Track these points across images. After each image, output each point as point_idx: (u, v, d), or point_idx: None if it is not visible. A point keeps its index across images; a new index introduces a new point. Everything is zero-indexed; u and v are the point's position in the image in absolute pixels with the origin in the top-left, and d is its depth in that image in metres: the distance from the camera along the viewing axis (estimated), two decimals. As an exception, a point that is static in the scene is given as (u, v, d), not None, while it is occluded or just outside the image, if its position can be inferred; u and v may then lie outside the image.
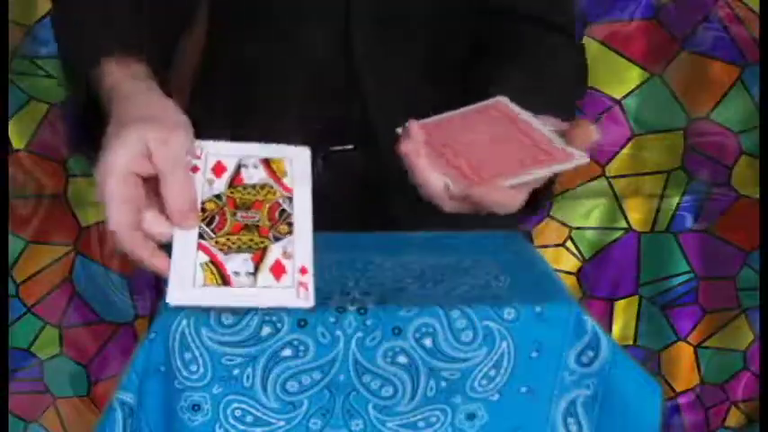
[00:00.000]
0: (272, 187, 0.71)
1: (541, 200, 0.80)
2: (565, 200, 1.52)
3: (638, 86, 1.49)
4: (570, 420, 0.71)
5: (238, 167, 0.72)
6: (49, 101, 1.43)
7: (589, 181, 1.51)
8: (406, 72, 0.92)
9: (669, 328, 1.57)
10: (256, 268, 0.67)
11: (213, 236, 0.67)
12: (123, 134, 0.67)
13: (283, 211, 0.70)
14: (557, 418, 0.71)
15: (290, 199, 0.70)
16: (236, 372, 0.68)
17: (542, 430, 0.71)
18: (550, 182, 0.78)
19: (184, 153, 0.68)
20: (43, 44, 1.42)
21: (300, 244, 0.69)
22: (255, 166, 0.72)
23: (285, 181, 0.71)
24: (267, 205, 0.70)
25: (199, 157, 0.71)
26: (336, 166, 0.94)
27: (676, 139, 1.51)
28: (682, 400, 1.59)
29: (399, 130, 0.76)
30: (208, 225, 0.68)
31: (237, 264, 0.67)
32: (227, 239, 0.67)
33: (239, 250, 0.67)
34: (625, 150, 1.51)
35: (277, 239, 0.68)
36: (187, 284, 0.66)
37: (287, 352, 0.68)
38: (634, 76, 1.49)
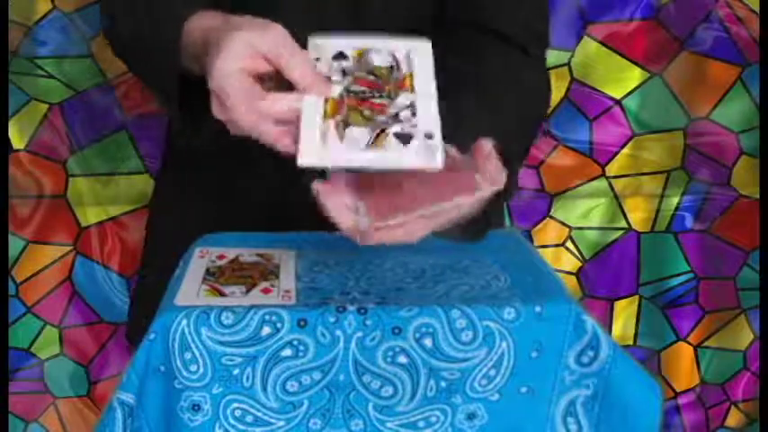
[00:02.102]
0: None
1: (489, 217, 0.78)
2: (565, 200, 1.52)
3: (638, 86, 1.49)
4: (570, 420, 0.71)
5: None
6: (49, 101, 1.43)
7: (589, 181, 1.51)
8: None
9: (669, 328, 1.57)
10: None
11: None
12: (225, 42, 0.69)
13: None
14: (556, 417, 0.71)
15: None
16: (236, 372, 0.68)
17: (542, 430, 0.71)
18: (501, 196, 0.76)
19: (290, 36, 0.70)
20: (43, 44, 1.42)
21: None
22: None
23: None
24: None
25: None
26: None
27: (676, 139, 1.51)
28: (682, 400, 1.59)
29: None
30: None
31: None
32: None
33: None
34: (625, 150, 1.51)
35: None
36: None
37: (287, 352, 0.68)
38: (634, 76, 1.49)
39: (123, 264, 1.50)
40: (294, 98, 0.69)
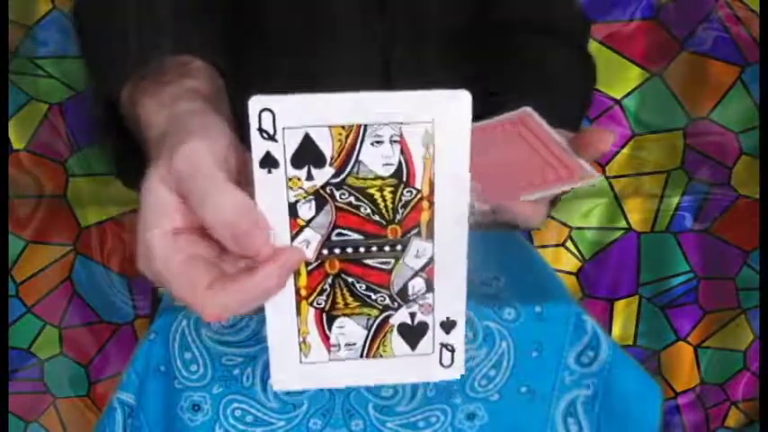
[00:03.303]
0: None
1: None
2: (565, 200, 1.52)
3: (638, 86, 1.49)
4: (570, 420, 0.71)
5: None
6: (49, 101, 1.43)
7: (589, 181, 1.51)
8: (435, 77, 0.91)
9: (669, 328, 1.57)
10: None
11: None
12: (145, 192, 0.48)
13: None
14: (557, 417, 0.71)
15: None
16: (236, 372, 0.68)
17: (542, 430, 0.71)
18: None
19: (216, 160, 0.46)
20: (43, 44, 1.42)
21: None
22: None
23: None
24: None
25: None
26: None
27: (676, 139, 1.51)
28: (682, 400, 1.59)
29: None
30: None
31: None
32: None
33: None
34: (625, 150, 1.51)
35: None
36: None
37: (287, 352, 0.68)
38: (634, 76, 1.49)
39: (123, 264, 1.50)
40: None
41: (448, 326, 0.48)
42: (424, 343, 0.48)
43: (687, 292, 1.56)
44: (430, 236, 0.47)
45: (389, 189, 0.46)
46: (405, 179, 0.46)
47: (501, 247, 0.83)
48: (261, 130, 0.43)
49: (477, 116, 0.50)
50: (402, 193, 0.46)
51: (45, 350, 1.51)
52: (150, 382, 0.69)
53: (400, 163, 0.45)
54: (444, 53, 0.90)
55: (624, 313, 1.57)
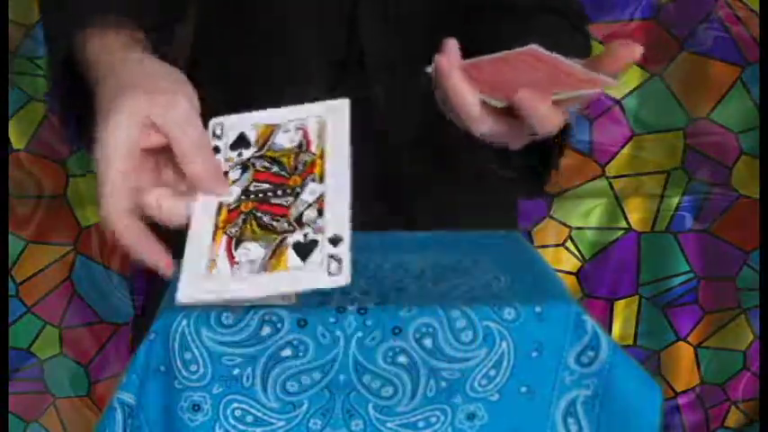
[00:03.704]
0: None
1: (550, 168, 0.80)
2: (565, 200, 1.52)
3: (638, 86, 1.49)
4: (570, 420, 0.71)
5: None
6: (49, 101, 1.44)
7: (589, 181, 1.51)
8: (411, 64, 0.92)
9: (669, 328, 1.57)
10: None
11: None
12: (117, 107, 0.58)
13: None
14: (557, 418, 0.71)
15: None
16: (236, 372, 0.68)
17: (542, 430, 0.71)
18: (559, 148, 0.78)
19: (194, 113, 0.60)
20: (43, 44, 1.42)
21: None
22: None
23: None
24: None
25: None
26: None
27: (676, 139, 1.51)
28: (682, 400, 1.59)
29: (429, 68, 0.72)
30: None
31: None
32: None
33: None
34: (625, 150, 1.51)
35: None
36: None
37: (287, 352, 0.68)
38: (634, 76, 1.49)
39: (123, 264, 1.50)
40: (184, 208, 0.61)
41: (335, 241, 0.59)
42: (315, 255, 0.59)
43: (687, 292, 1.56)
44: (321, 181, 0.62)
45: (293, 155, 0.63)
46: (304, 148, 0.64)
47: (501, 247, 0.83)
48: (213, 134, 0.65)
49: None
50: (301, 156, 0.63)
51: (45, 350, 1.51)
52: (150, 382, 0.69)
53: (301, 140, 0.64)
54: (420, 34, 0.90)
55: (624, 313, 1.57)
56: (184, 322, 0.68)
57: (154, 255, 0.61)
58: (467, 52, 0.74)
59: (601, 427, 0.71)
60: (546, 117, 0.69)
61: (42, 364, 1.52)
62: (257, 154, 0.64)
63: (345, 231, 0.59)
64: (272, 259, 0.59)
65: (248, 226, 0.61)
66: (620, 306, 1.57)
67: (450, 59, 0.69)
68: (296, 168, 0.62)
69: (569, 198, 1.52)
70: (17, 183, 1.44)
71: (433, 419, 0.70)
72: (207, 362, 0.68)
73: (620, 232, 1.54)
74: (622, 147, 1.51)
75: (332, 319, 0.68)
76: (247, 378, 0.68)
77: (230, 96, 0.86)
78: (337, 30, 0.89)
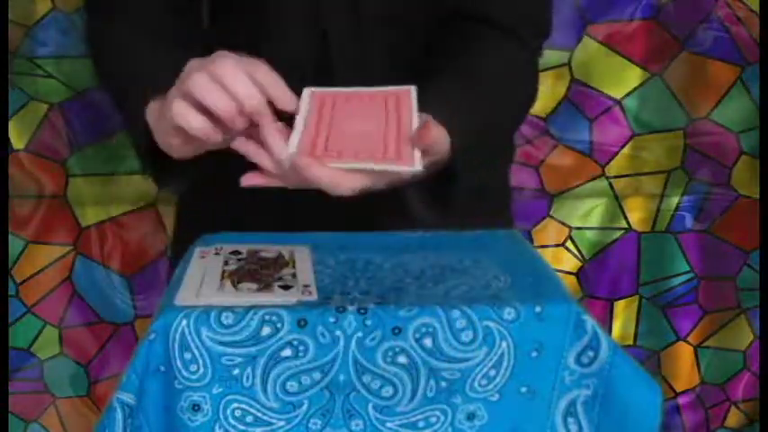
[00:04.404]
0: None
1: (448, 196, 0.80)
2: (565, 200, 1.52)
3: (638, 86, 1.49)
4: (570, 420, 0.71)
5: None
6: (49, 101, 1.43)
7: (589, 181, 1.51)
8: (379, 74, 0.93)
9: (669, 328, 1.57)
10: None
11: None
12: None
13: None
14: (557, 418, 0.71)
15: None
16: (236, 372, 0.68)
17: (542, 430, 0.71)
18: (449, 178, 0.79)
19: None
20: (43, 44, 1.42)
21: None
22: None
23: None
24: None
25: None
26: None
27: (676, 139, 1.51)
28: (682, 400, 1.59)
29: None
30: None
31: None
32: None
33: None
34: (625, 150, 1.51)
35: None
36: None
37: (287, 352, 0.68)
38: (634, 76, 1.49)
39: (123, 264, 1.50)
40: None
41: (306, 285, 0.73)
42: (292, 289, 0.72)
43: (687, 292, 1.56)
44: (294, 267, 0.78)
45: (272, 260, 0.80)
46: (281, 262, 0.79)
47: (501, 247, 0.83)
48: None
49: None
50: (280, 259, 0.80)
51: (45, 350, 1.51)
52: (150, 382, 0.69)
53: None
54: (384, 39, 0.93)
55: (624, 313, 1.57)
56: (184, 322, 0.68)
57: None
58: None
59: (601, 426, 0.71)
60: (331, 183, 0.72)
61: (42, 364, 1.52)
62: (248, 258, 0.79)
63: (312, 282, 0.73)
64: (263, 290, 0.72)
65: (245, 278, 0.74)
66: (620, 306, 1.57)
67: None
68: (275, 265, 0.77)
69: (569, 198, 1.52)
70: (17, 183, 1.44)
71: (433, 419, 0.70)
72: (207, 362, 0.68)
73: (620, 232, 1.54)
74: (622, 147, 1.51)
75: (332, 319, 0.68)
76: (247, 378, 0.68)
77: None
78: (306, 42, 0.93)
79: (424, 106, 0.76)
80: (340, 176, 0.71)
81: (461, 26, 0.92)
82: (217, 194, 0.97)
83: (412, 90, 0.77)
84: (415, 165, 0.70)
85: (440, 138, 0.75)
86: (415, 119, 0.74)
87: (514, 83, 0.92)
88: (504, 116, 0.91)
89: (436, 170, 0.78)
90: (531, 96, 0.96)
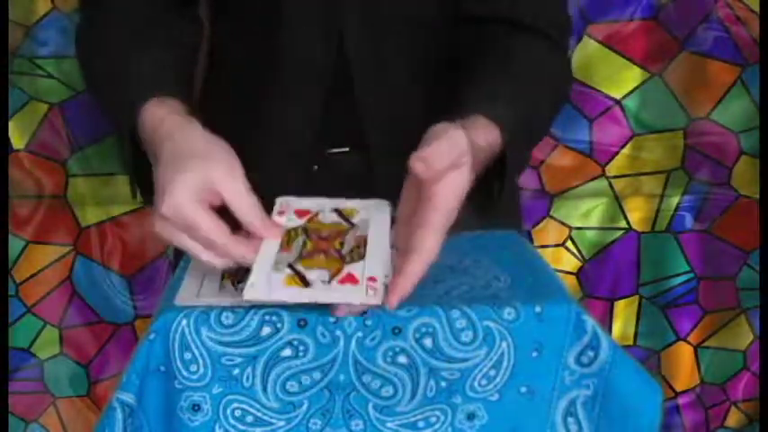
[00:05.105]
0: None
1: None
2: (565, 200, 1.52)
3: (638, 86, 1.49)
4: (570, 420, 0.71)
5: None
6: (49, 101, 1.43)
7: (589, 181, 1.51)
8: (396, 74, 0.93)
9: (669, 328, 1.57)
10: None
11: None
12: (183, 171, 0.70)
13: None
14: (557, 417, 0.71)
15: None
16: (236, 372, 0.68)
17: (542, 430, 0.71)
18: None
19: (246, 184, 0.72)
20: (43, 44, 1.42)
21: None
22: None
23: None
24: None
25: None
26: (331, 168, 0.94)
27: (676, 139, 1.51)
28: (682, 400, 1.59)
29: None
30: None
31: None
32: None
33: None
34: (625, 150, 1.51)
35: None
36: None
37: (287, 352, 0.68)
38: (634, 76, 1.49)
39: (123, 264, 1.50)
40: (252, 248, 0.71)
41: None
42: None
43: (687, 292, 1.56)
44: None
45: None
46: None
47: (501, 248, 0.83)
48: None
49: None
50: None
51: (45, 350, 1.51)
52: (150, 382, 0.69)
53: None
54: (404, 43, 0.93)
55: (624, 313, 1.57)
56: (184, 322, 0.68)
57: (234, 243, 0.70)
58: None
59: (601, 426, 0.72)
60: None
61: (42, 364, 1.52)
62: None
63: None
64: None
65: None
66: (620, 306, 1.57)
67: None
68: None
69: (569, 198, 1.52)
70: (17, 183, 1.44)
71: (433, 419, 0.70)
72: (207, 362, 0.68)
73: (620, 232, 1.54)
74: (622, 147, 1.51)
75: (332, 319, 0.68)
76: (247, 378, 0.68)
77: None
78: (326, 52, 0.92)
79: (472, 103, 0.77)
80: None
81: (490, 29, 0.92)
82: None
83: (388, 211, 0.78)
84: (371, 299, 0.68)
85: (458, 140, 0.72)
86: (384, 241, 0.74)
87: (552, 80, 0.92)
88: (545, 112, 0.92)
89: (484, 169, 0.78)
90: (567, 93, 0.98)
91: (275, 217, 0.76)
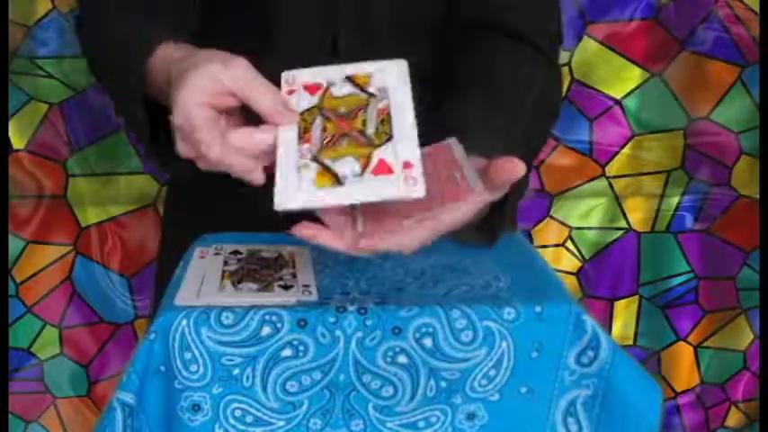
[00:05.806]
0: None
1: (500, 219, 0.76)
2: (565, 200, 1.52)
3: (638, 86, 1.49)
4: (570, 420, 0.71)
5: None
6: (49, 101, 1.43)
7: (589, 181, 1.51)
8: None
9: (669, 328, 1.57)
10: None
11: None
12: (189, 75, 0.68)
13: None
14: (557, 418, 0.71)
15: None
16: (236, 372, 0.68)
17: (542, 430, 0.71)
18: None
19: (255, 72, 0.69)
20: (43, 44, 1.42)
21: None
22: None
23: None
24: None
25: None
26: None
27: (676, 139, 1.51)
28: (682, 400, 1.59)
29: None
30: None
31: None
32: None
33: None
34: (625, 150, 1.51)
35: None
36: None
37: (287, 352, 0.68)
38: (634, 76, 1.49)
39: (123, 264, 1.50)
40: (265, 133, 0.68)
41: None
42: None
43: (687, 292, 1.56)
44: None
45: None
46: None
47: (501, 248, 0.83)
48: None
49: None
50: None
51: (45, 350, 1.51)
52: (150, 382, 0.69)
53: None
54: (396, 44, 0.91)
55: (624, 313, 1.57)
56: (184, 322, 0.68)
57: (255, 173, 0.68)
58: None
59: (601, 426, 0.71)
60: (402, 245, 0.67)
61: (42, 364, 1.52)
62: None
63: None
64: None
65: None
66: (620, 306, 1.57)
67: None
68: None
69: (569, 198, 1.52)
70: (17, 183, 1.44)
71: (433, 419, 0.70)
72: (207, 362, 0.68)
73: (620, 232, 1.54)
74: (622, 147, 1.51)
75: (332, 319, 0.68)
76: (247, 378, 0.68)
77: None
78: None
79: (466, 134, 0.73)
80: (401, 236, 0.67)
81: (479, 36, 0.91)
82: (204, 197, 0.97)
83: (453, 142, 0.72)
84: (482, 194, 0.66)
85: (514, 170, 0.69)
86: (465, 167, 0.69)
87: (543, 91, 0.91)
88: (542, 126, 0.91)
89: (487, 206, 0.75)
90: (558, 104, 0.96)
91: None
